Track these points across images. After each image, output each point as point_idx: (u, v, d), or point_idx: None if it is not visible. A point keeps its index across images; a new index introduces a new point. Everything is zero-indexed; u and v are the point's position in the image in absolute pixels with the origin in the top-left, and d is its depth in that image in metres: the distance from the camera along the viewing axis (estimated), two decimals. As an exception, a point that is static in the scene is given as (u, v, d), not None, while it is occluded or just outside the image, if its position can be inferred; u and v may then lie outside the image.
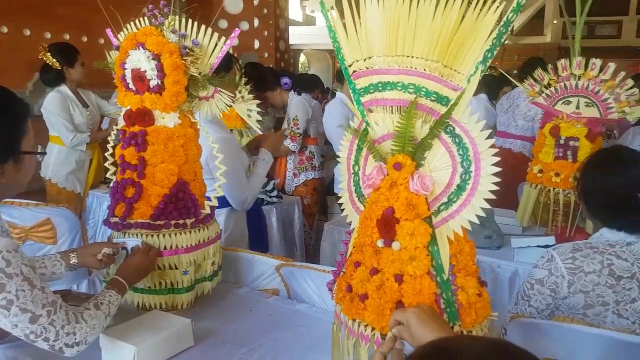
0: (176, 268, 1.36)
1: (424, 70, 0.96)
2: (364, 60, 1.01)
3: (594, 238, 1.32)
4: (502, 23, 0.92)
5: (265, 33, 6.11)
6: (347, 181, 1.09)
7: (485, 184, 0.93)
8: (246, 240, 2.00)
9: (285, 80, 3.28)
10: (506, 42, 16.20)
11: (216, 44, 1.39)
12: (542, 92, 2.07)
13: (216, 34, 1.39)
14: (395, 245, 0.94)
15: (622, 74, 1.97)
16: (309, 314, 1.41)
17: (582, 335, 1.18)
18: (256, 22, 6.06)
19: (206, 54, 1.38)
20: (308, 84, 3.78)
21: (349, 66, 1.03)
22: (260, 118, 2.33)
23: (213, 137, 1.49)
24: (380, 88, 1.00)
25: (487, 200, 0.93)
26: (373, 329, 0.94)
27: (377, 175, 0.98)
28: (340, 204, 1.11)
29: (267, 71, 3.44)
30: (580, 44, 2.05)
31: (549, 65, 2.09)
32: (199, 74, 1.37)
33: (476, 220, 0.94)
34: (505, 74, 2.53)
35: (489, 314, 0.99)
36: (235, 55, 3.13)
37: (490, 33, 0.92)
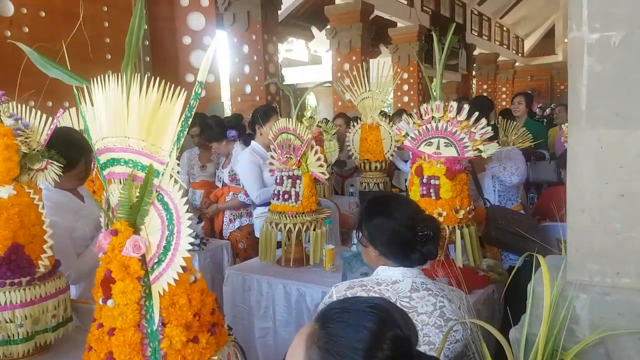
0: (11, 322, 1.53)
1: (138, 148, 1.12)
2: (102, 140, 1.18)
3: (371, 276, 1.41)
4: (187, 108, 1.08)
5: (256, 78, 6.47)
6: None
7: (184, 244, 1.07)
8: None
9: (232, 133, 3.45)
10: (516, 64, 16.09)
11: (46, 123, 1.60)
12: (407, 135, 2.18)
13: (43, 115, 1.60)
14: (110, 302, 1.08)
15: (476, 114, 2.06)
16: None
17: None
18: (247, 69, 6.48)
19: (37, 133, 1.60)
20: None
21: (95, 144, 1.21)
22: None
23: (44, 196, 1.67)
24: (112, 163, 1.16)
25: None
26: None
27: (104, 240, 1.13)
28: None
29: (213, 122, 3.61)
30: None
31: (414, 110, 2.20)
32: (31, 149, 1.58)
33: (176, 277, 1.07)
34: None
35: (206, 358, 1.11)
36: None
37: (180, 116, 1.08)
